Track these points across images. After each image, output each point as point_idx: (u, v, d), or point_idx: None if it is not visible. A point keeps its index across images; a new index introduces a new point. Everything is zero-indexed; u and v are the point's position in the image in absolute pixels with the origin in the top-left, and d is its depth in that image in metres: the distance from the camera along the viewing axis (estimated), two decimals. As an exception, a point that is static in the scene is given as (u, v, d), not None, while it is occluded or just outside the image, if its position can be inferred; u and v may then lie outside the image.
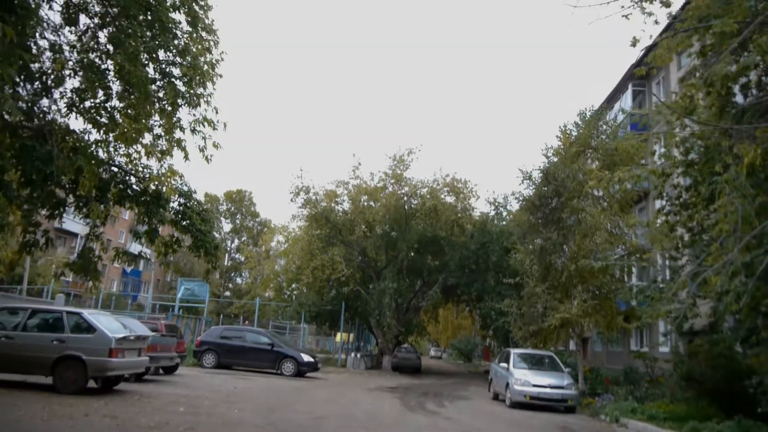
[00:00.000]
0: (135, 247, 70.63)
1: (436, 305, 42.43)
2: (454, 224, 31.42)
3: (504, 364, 17.36)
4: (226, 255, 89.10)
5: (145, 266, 73.72)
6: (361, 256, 31.72)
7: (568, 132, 22.64)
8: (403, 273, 31.87)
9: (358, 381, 22.46)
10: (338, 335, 45.92)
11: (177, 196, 10.24)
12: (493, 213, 33.00)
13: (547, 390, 15.68)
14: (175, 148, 9.54)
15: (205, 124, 9.48)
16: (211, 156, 9.50)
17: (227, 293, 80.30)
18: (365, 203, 31.64)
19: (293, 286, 35.14)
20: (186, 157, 9.57)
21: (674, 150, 10.42)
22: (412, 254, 32.55)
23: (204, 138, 9.50)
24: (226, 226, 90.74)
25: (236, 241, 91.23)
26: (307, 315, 32.78)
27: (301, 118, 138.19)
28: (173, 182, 9.81)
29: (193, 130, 9.47)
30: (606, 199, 21.30)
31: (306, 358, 21.77)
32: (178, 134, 9.50)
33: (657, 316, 10.32)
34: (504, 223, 31.69)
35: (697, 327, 15.05)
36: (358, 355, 31.36)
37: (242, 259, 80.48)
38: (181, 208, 10.41)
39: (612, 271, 20.75)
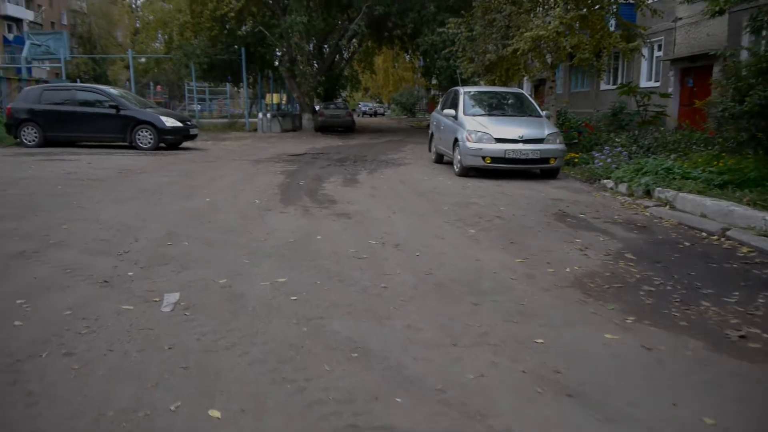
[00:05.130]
0: (12, 9, 57.62)
1: (369, 53, 35.13)
2: (379, -70, 22.98)
3: (450, 111, 11.20)
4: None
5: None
6: (256, -17, 23.33)
7: None
8: (315, 4, 23.98)
9: (254, 149, 16.29)
10: (267, 97, 38.77)
11: None
12: None
13: (520, 146, 9.77)
14: None
15: None
16: None
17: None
18: None
19: (174, 34, 26.74)
20: None
21: None
22: (326, -23, 24.33)
23: None
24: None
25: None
26: (198, 68, 25.17)
27: None
28: None
29: None
30: None
31: (170, 122, 15.09)
32: None
33: None
34: None
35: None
36: (269, 115, 24.81)
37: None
38: None
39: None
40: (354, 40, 27.23)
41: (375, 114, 61.31)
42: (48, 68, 36.95)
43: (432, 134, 13.20)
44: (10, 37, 59.98)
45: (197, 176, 9.98)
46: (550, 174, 10.30)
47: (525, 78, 22.97)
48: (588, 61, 15.12)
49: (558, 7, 12.40)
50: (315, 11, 23.43)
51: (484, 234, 5.63)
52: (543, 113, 11.30)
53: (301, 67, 22.76)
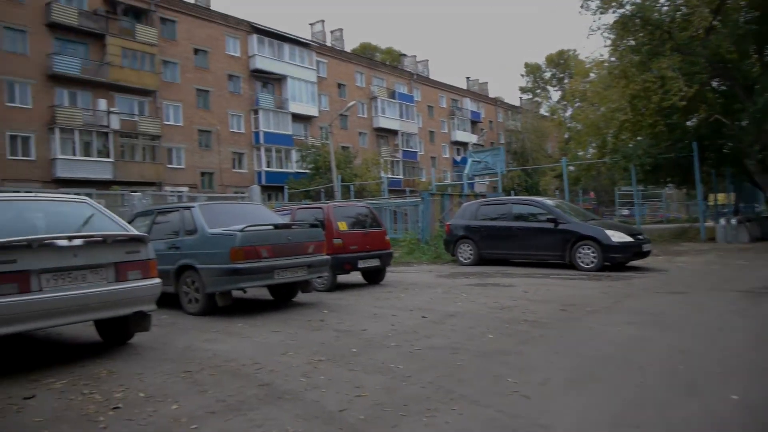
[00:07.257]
0: (460, 135, 66.46)
1: None
2: None
3: None
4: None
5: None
6: (710, 65, 19.33)
7: None
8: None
9: (731, 270, 12.02)
10: (709, 197, 32.78)
11: None
12: None
13: None
14: None
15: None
16: None
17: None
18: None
19: (610, 135, 24.29)
20: None
21: None
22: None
23: None
24: (555, 95, 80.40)
25: (569, 110, 79.58)
26: (639, 170, 22.03)
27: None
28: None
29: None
30: None
31: (616, 237, 12.26)
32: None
33: None
34: None
35: None
36: (732, 221, 19.68)
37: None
38: None
39: None
40: None
41: None
42: (487, 182, 39.69)
43: None
44: (458, 158, 68.52)
45: (676, 325, 6.69)
46: None
47: None
48: None
49: None
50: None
51: None
52: None
53: (778, 158, 17.43)
